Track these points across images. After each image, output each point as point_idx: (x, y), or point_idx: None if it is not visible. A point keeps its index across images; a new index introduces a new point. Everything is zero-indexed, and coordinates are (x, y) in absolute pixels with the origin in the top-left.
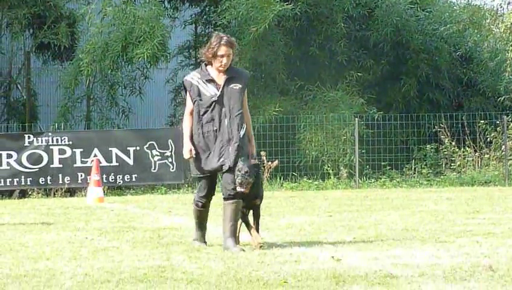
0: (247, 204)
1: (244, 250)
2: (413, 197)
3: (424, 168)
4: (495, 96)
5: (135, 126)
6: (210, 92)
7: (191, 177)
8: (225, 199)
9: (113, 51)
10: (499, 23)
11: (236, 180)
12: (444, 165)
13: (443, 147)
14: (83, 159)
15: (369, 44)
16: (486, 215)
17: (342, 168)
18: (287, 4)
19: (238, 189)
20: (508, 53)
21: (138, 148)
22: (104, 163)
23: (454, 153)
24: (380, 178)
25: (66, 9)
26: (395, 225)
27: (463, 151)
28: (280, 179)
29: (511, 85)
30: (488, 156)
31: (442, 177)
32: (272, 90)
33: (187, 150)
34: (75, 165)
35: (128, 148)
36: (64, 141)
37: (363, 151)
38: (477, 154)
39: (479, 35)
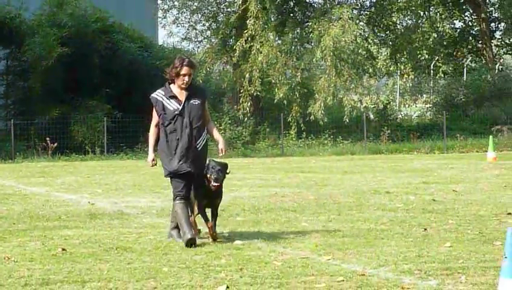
0: (210, 202)
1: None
2: (140, 165)
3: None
4: None
5: None
6: (173, 106)
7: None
8: (176, 198)
9: None
10: None
11: (212, 176)
12: None
13: None
14: None
15: (113, 72)
16: None
17: (96, 147)
18: (64, 48)
19: (213, 184)
20: None
21: None
22: None
23: None
24: (119, 153)
25: None
26: (130, 182)
27: None
28: (58, 154)
29: None
30: None
31: None
32: (54, 100)
33: (150, 159)
34: None
35: None
36: None
37: (109, 137)
38: None
39: None
